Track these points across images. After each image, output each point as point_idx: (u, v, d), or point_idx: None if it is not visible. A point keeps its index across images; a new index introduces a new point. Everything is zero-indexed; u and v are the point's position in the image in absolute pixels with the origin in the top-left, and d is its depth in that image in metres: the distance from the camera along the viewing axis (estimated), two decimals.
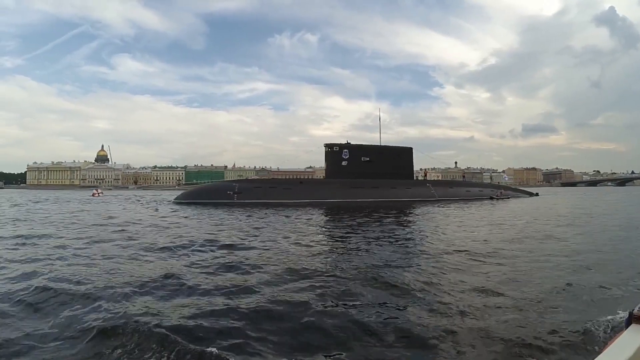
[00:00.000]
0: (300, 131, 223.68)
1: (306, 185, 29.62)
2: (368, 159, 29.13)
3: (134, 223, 13.13)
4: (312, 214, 16.64)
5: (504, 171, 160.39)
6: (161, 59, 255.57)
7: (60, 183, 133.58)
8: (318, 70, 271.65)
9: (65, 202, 28.76)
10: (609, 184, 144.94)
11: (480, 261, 6.51)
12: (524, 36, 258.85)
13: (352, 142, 31.23)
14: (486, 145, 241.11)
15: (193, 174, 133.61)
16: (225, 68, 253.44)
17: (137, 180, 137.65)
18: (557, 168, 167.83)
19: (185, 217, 15.89)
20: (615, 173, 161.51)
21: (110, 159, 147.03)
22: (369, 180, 27.77)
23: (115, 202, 28.74)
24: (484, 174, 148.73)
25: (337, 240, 9.39)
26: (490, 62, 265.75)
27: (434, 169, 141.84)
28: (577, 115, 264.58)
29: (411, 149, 31.87)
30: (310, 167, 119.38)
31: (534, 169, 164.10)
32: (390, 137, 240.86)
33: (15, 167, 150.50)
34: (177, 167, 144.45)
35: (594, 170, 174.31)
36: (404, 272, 5.63)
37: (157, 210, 20.11)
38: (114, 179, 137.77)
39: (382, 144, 32.90)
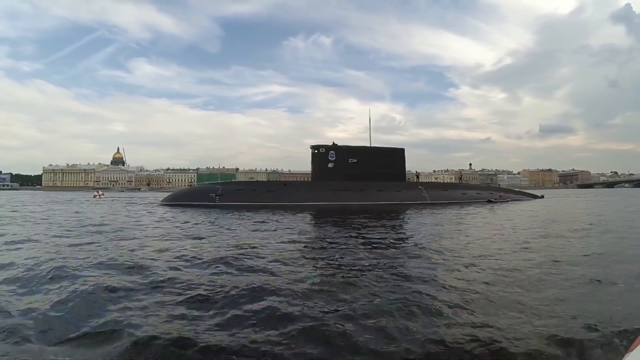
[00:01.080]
0: (315, 133, 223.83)
1: (290, 187, 28.96)
2: (355, 160, 28.19)
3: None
4: (275, 216, 15.94)
5: (519, 173, 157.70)
6: (177, 62, 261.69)
7: (75, 185, 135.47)
8: (333, 73, 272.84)
9: (56, 203, 29.72)
10: (626, 185, 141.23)
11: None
12: (540, 35, 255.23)
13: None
14: (503, 147, 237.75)
15: (205, 176, 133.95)
16: (240, 71, 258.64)
17: (150, 182, 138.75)
18: (573, 169, 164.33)
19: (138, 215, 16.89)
20: (633, 174, 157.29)
21: (124, 161, 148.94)
22: (356, 183, 26.91)
23: (103, 203, 29.74)
24: (498, 175, 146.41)
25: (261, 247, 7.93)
26: (506, 62, 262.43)
27: (447, 170, 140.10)
28: (595, 116, 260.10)
29: (403, 150, 30.65)
30: None
31: (549, 170, 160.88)
32: (406, 139, 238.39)
33: (34, 169, 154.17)
34: (189, 170, 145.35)
35: (612, 172, 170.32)
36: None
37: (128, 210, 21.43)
38: (127, 181, 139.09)
39: (381, 146, 31.69)
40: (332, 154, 28.20)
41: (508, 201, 29.68)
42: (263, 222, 13.49)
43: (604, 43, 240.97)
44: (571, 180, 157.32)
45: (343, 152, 28.43)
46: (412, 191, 28.78)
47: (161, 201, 27.76)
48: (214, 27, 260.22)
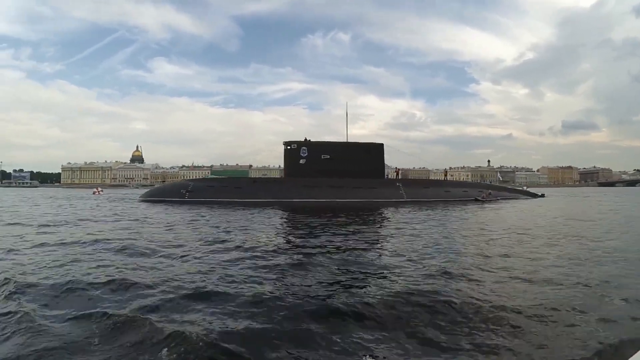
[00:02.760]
0: (335, 130, 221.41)
1: (259, 184, 29.45)
2: (328, 156, 27.54)
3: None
4: (222, 212, 16.63)
5: (538, 170, 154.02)
6: (197, 61, 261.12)
7: (92, 182, 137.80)
8: (351, 69, 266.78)
9: (45, 199, 31.62)
10: None
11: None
12: (562, 29, 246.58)
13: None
14: (524, 143, 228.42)
15: (218, 173, 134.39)
16: (260, 69, 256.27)
17: (165, 179, 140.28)
18: (594, 167, 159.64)
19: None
20: None
21: (143, 159, 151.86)
22: (326, 179, 26.00)
23: (90, 199, 31.07)
24: (517, 173, 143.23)
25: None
26: (527, 57, 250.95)
27: (463, 167, 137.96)
28: (619, 112, 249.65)
29: (382, 145, 29.63)
30: None
31: (569, 167, 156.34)
32: (426, 135, 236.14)
33: (56, 167, 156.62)
34: (204, 167, 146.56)
35: (635, 170, 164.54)
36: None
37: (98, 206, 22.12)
38: (143, 178, 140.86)
39: (357, 142, 30.83)
40: (304, 150, 27.73)
41: (498, 200, 27.73)
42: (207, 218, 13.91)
43: (626, 37, 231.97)
44: (592, 178, 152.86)
45: (315, 148, 27.91)
46: (388, 189, 27.69)
47: (140, 197, 28.95)
48: (232, 26, 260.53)
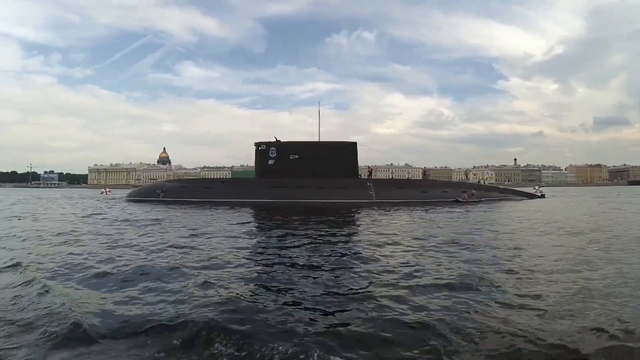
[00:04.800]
0: (363, 130, 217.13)
1: (227, 185, 30.55)
2: (297, 156, 27.18)
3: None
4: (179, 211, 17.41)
5: (565, 169, 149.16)
6: (223, 64, 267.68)
7: (117, 183, 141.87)
8: (377, 68, 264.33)
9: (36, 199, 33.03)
10: None
11: None
12: (591, 22, 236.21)
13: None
14: (556, 141, 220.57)
15: (239, 173, 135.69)
16: (286, 70, 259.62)
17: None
18: (625, 164, 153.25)
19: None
20: None
21: (170, 160, 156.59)
22: (294, 180, 25.46)
23: (93, 198, 32.46)
24: (543, 171, 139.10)
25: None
26: (556, 51, 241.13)
27: (486, 166, 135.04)
28: None
29: (355, 144, 28.89)
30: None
31: (598, 165, 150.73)
32: (455, 133, 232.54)
33: (87, 169, 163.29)
34: (224, 167, 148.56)
35: None
36: None
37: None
38: (166, 179, 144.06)
39: (330, 141, 30.35)
40: (273, 150, 27.76)
41: (482, 201, 25.79)
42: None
43: None
44: (621, 176, 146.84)
45: (284, 149, 27.79)
46: (357, 189, 26.61)
47: (125, 197, 30.95)
48: (257, 27, 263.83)
